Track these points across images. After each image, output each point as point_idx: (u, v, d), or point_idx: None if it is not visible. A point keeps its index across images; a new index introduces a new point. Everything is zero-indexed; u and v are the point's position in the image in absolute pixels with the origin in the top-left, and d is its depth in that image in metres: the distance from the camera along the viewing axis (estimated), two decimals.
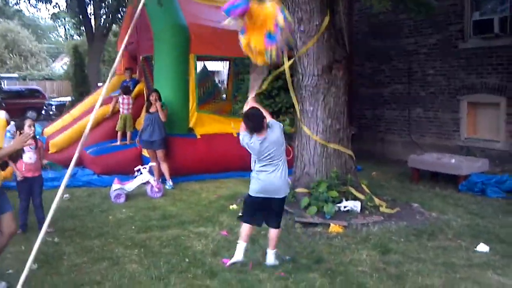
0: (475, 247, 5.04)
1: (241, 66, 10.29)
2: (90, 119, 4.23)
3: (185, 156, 8.58)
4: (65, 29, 32.29)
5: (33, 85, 27.77)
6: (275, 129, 4.48)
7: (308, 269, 4.50)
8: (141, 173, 7.61)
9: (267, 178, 4.47)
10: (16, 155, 5.34)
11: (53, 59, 44.18)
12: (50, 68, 39.40)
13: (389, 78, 11.21)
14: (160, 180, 8.01)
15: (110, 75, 4.43)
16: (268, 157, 4.43)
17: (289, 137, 7.57)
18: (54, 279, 4.34)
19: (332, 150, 6.52)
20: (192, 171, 8.64)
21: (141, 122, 9.07)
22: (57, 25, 33.36)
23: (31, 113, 20.91)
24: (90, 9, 20.13)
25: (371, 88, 11.68)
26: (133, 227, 5.91)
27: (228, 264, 4.57)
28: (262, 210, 4.59)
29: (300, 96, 6.64)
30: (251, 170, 4.62)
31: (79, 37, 24.97)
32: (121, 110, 9.38)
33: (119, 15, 19.33)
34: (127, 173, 8.26)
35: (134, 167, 7.81)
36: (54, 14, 23.40)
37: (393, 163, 10.32)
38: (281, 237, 5.33)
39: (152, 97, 8.18)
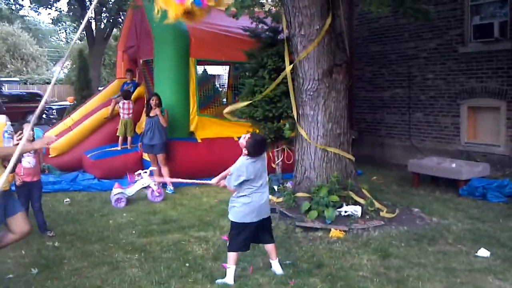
0: (476, 252, 5.03)
1: (241, 70, 10.31)
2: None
3: (186, 160, 8.57)
4: (66, 33, 32.38)
5: (34, 89, 27.84)
6: None
7: (309, 274, 4.49)
8: (141, 178, 7.61)
9: (260, 199, 4.33)
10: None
11: (53, 63, 44.27)
12: (51, 72, 39.46)
13: (389, 82, 11.22)
14: (161, 184, 8.00)
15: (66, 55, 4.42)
16: (260, 176, 4.34)
17: (290, 141, 7.60)
18: (54, 284, 4.34)
19: (332, 155, 6.52)
20: (193, 175, 8.61)
21: (141, 126, 9.08)
22: (57, 29, 33.41)
23: (31, 118, 20.92)
24: (90, 13, 20.18)
25: (371, 92, 11.69)
26: (134, 232, 5.91)
27: (218, 282, 4.33)
28: (254, 233, 4.40)
29: (301, 100, 6.64)
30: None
31: (80, 41, 24.99)
32: (121, 115, 9.38)
33: (120, 19, 19.39)
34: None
35: (134, 172, 7.81)
36: (55, 18, 23.46)
37: (393, 167, 10.32)
38: (281, 242, 5.33)
39: (153, 101, 8.19)
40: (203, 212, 6.81)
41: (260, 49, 7.98)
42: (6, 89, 25.36)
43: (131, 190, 7.42)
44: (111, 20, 19.65)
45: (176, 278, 4.42)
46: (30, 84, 31.80)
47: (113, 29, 20.54)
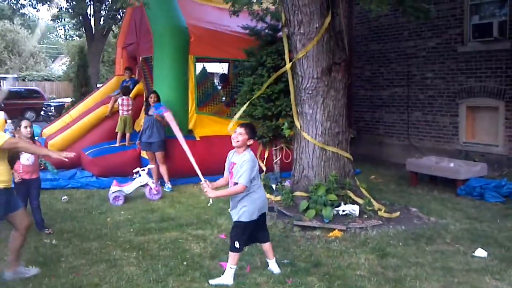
0: (473, 252, 5.04)
1: (240, 68, 10.30)
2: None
3: (184, 158, 8.53)
4: (64, 29, 32.32)
5: (32, 86, 27.78)
6: None
7: (307, 273, 4.49)
8: (139, 175, 7.60)
9: (264, 192, 4.38)
10: (14, 157, 5.34)
11: (52, 59, 44.18)
12: (49, 68, 39.39)
13: (388, 81, 11.23)
14: (159, 182, 8.00)
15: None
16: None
17: (288, 140, 7.59)
18: (52, 281, 4.33)
19: (330, 153, 6.52)
20: (191, 173, 8.59)
21: (140, 124, 9.06)
22: (56, 25, 33.38)
23: (29, 114, 20.94)
24: (90, 10, 20.13)
25: (370, 91, 11.69)
26: (132, 230, 5.91)
27: (213, 283, 4.28)
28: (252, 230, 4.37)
29: (300, 99, 6.64)
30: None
31: (79, 38, 24.95)
32: (120, 111, 9.34)
33: (119, 16, 19.33)
34: (126, 175, 8.25)
35: (133, 169, 7.79)
36: (55, 15, 23.40)
37: (392, 166, 10.32)
38: (279, 241, 5.34)
39: (151, 99, 8.17)
40: (201, 210, 6.81)
41: (260, 47, 7.97)
42: (4, 86, 25.29)
43: (129, 188, 7.41)
44: (109, 17, 19.59)
45: (174, 276, 4.42)
46: (28, 81, 31.71)
47: (112, 25, 20.46)
